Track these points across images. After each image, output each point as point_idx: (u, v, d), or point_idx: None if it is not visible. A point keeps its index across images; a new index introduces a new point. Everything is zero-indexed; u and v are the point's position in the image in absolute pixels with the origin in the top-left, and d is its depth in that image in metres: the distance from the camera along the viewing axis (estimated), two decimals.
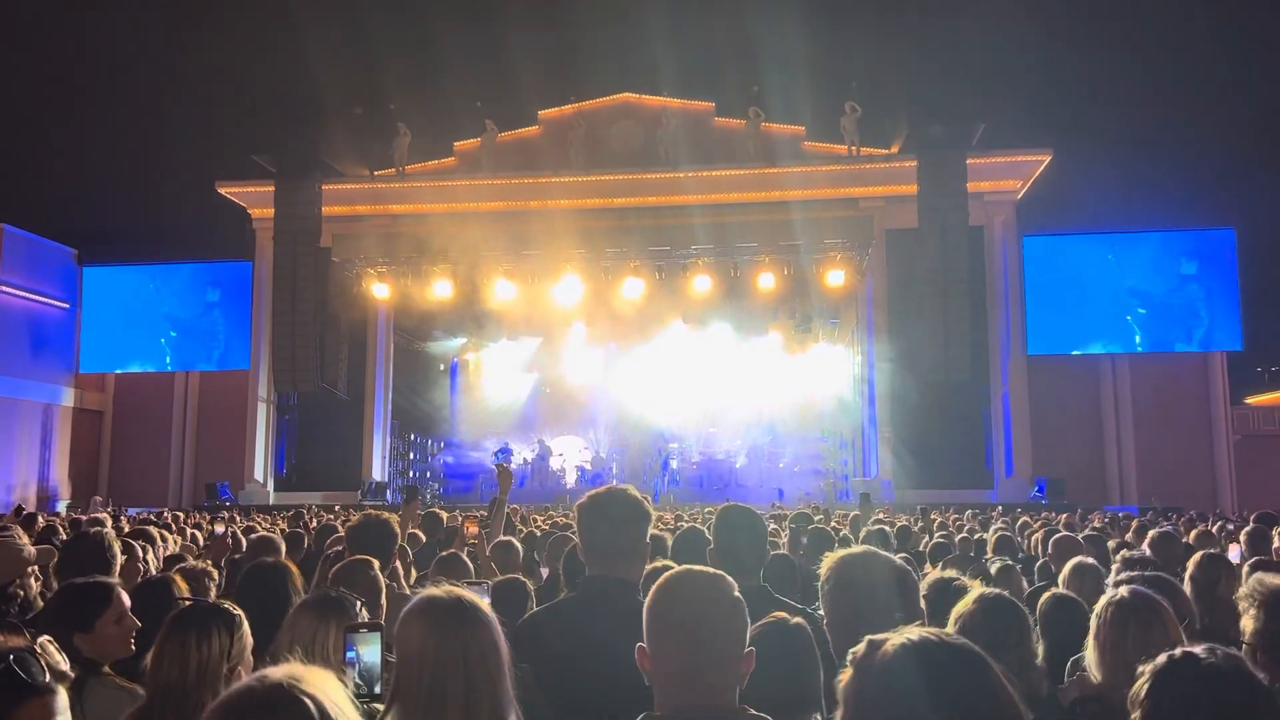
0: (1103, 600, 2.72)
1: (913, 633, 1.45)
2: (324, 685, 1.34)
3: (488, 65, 22.89)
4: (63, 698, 1.68)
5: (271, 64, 26.43)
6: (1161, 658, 1.88)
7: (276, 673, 1.34)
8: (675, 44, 22.80)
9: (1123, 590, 2.72)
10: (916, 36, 23.23)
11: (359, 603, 2.86)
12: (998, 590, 3.09)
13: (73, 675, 1.70)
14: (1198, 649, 1.87)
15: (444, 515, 8.14)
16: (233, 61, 28.37)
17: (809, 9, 23.04)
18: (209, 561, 4.48)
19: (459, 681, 1.92)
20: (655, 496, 22.00)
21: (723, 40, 22.39)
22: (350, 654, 2.36)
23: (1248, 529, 6.72)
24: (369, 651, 2.35)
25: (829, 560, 2.57)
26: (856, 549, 2.66)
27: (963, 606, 2.87)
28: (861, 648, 1.47)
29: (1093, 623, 2.71)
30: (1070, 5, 28.45)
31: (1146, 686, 1.85)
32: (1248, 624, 2.83)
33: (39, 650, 1.68)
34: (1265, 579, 2.93)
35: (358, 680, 2.34)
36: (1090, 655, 2.66)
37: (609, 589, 2.88)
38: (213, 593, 4.01)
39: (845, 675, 1.47)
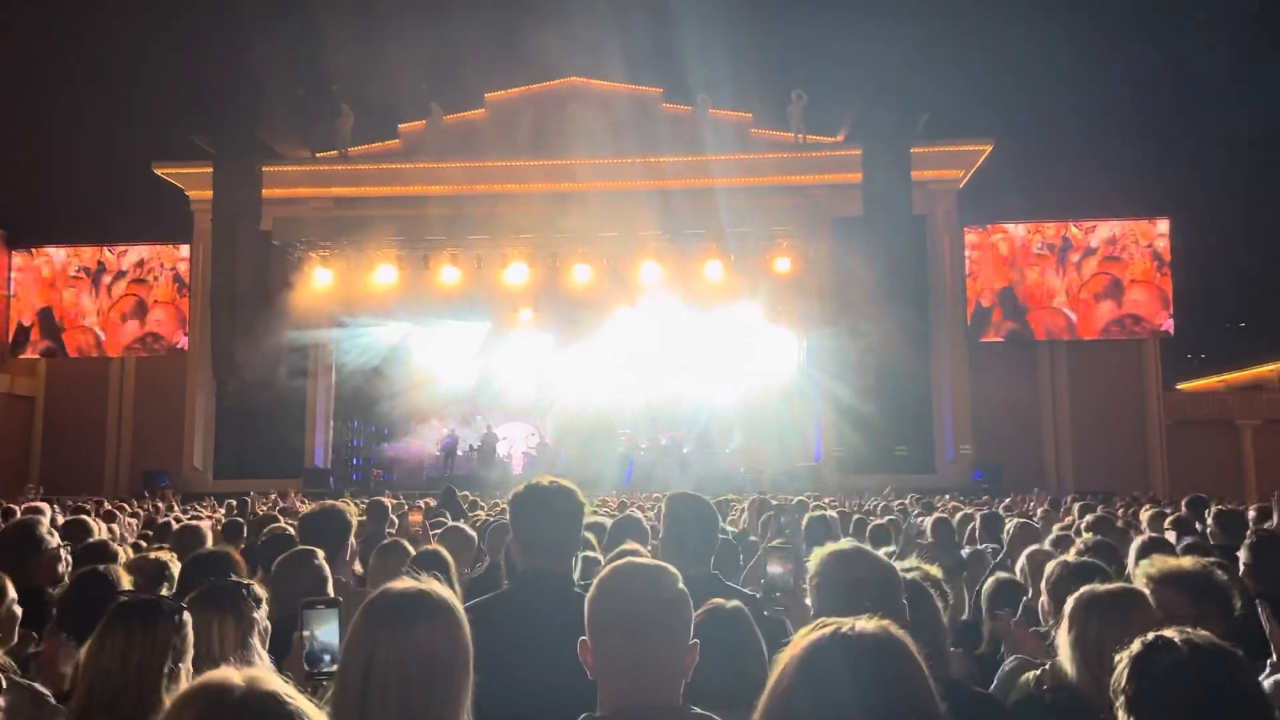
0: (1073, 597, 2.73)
1: (833, 624, 1.47)
2: (287, 688, 1.33)
3: (433, 46, 22.59)
4: None
5: (212, 42, 25.87)
6: (1135, 644, 1.92)
7: (236, 677, 1.32)
8: (624, 28, 22.73)
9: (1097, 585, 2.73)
10: (860, 25, 23.44)
11: (247, 587, 2.82)
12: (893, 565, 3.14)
13: None
14: (1169, 631, 1.92)
15: (389, 503, 8.07)
16: (172, 39, 27.71)
17: None
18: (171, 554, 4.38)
19: (393, 682, 1.80)
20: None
21: (671, 26, 22.36)
22: (306, 631, 2.31)
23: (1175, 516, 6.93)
24: (324, 630, 2.30)
25: (817, 555, 2.59)
26: (845, 544, 2.66)
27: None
28: (790, 642, 1.50)
29: (1064, 618, 2.73)
30: None
31: (1126, 673, 1.89)
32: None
33: None
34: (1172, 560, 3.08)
35: (305, 660, 2.30)
36: (1062, 649, 2.69)
37: (548, 582, 2.87)
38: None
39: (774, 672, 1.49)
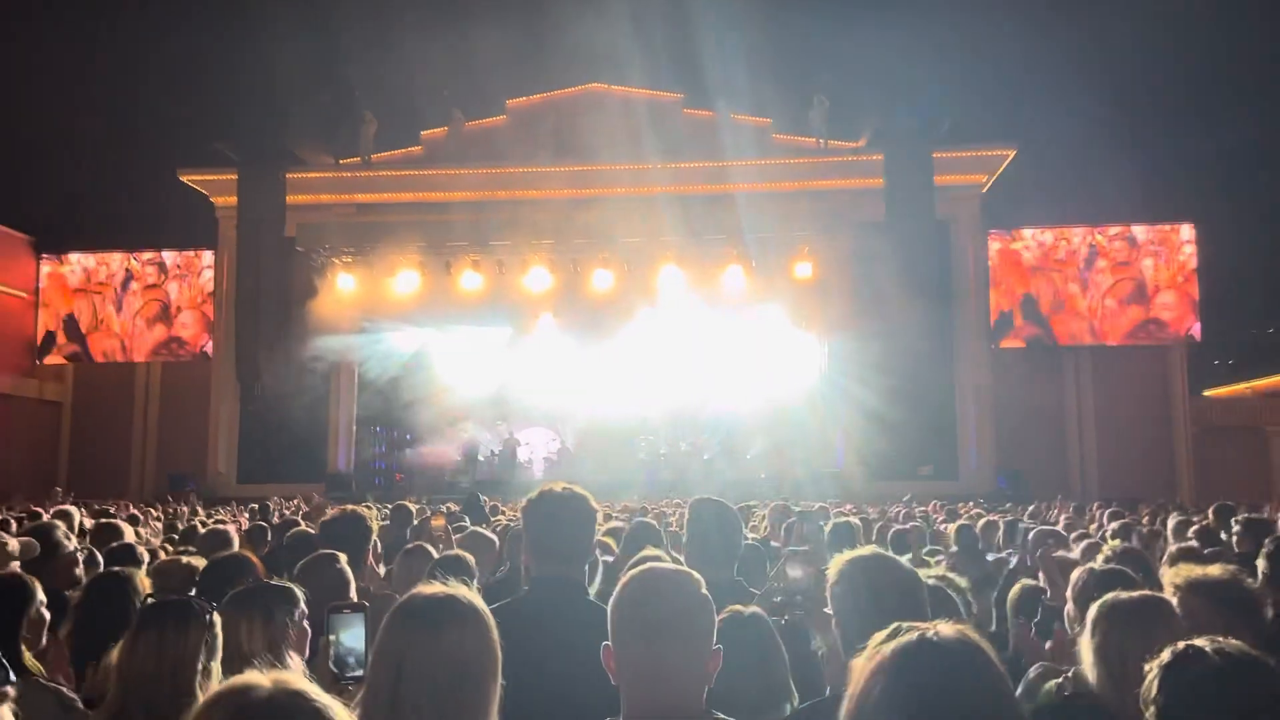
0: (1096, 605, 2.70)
1: (912, 630, 1.46)
2: (314, 687, 1.35)
3: (455, 54, 22.70)
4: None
5: (235, 50, 26.08)
6: (1166, 654, 1.89)
7: (262, 678, 1.33)
8: (644, 34, 22.75)
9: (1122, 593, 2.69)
10: (882, 29, 23.35)
11: (284, 590, 2.82)
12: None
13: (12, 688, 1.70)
14: (1200, 641, 1.89)
15: (413, 508, 8.11)
16: (195, 47, 27.96)
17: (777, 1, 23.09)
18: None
19: (424, 687, 1.79)
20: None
21: (691, 31, 22.37)
22: (332, 636, 2.33)
23: (1198, 524, 6.83)
24: (349, 635, 2.32)
25: (838, 561, 2.56)
26: (867, 550, 2.63)
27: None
28: (867, 649, 1.49)
29: (1087, 626, 2.69)
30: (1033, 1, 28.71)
31: (1157, 683, 1.86)
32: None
33: None
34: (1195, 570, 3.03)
35: (332, 664, 2.32)
36: (1085, 656, 2.64)
37: (562, 589, 2.87)
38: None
39: (851, 681, 1.48)
